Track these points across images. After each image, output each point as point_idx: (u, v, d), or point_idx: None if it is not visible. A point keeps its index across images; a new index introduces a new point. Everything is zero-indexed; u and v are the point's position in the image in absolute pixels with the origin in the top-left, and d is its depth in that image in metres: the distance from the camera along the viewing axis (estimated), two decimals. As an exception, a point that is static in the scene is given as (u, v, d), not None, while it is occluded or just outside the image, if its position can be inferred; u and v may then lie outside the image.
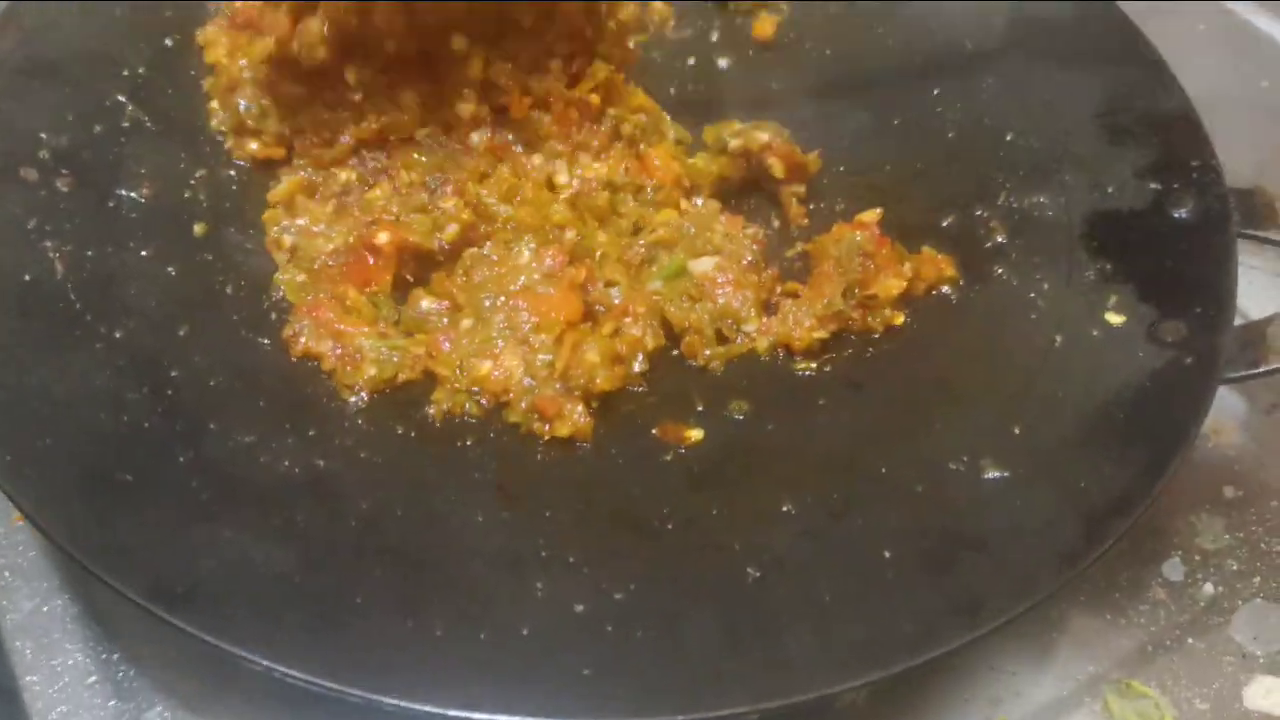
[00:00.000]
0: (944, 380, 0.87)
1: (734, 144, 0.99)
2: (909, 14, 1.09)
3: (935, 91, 1.04)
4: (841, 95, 1.07)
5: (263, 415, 0.82)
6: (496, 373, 0.86)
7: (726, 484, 0.81)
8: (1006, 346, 0.87)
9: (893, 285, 0.90)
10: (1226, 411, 0.97)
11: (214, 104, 0.98)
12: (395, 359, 0.86)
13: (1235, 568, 0.88)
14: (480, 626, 0.70)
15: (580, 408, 0.84)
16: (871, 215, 0.94)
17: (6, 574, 0.81)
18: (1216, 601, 0.86)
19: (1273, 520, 0.90)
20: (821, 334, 0.90)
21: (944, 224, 0.96)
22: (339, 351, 0.85)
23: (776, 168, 0.98)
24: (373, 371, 0.85)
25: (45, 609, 0.79)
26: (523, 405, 0.85)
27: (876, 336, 0.91)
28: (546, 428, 0.84)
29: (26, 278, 0.84)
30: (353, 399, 0.85)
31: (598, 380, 0.86)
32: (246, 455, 0.78)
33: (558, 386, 0.85)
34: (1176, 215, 0.90)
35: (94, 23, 1.00)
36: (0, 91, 0.93)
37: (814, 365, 0.90)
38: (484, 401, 0.86)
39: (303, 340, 0.87)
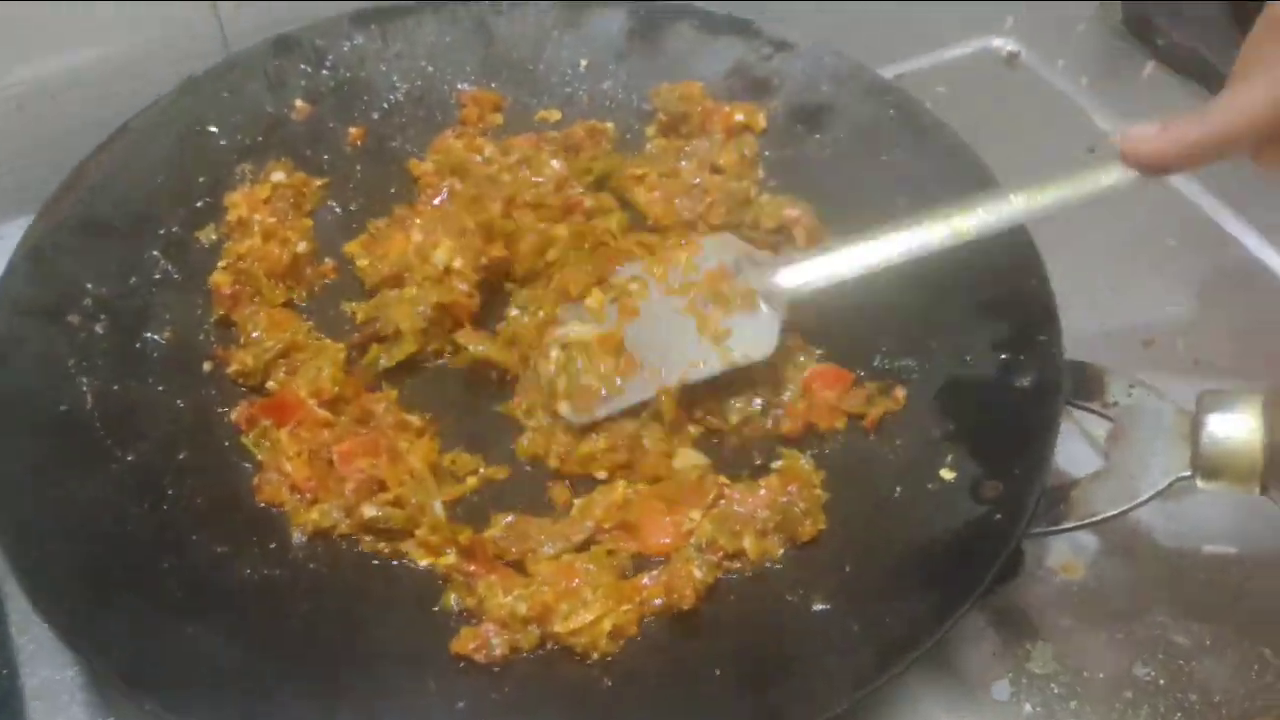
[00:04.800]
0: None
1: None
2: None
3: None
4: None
5: (237, 529, 1.01)
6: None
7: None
8: (856, 496, 1.02)
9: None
10: (1081, 552, 1.09)
11: (222, 264, 1.18)
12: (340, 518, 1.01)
13: (1056, 691, 1.00)
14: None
15: None
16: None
17: (31, 645, 0.99)
18: (1033, 720, 0.99)
19: (1096, 652, 1.02)
20: None
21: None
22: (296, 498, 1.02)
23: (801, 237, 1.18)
24: (314, 516, 1.01)
25: (58, 678, 0.98)
26: None
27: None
28: None
29: (63, 408, 1.03)
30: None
31: None
32: (218, 562, 0.97)
33: None
34: (1018, 384, 1.04)
35: (142, 186, 1.20)
36: (59, 247, 1.13)
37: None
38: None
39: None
